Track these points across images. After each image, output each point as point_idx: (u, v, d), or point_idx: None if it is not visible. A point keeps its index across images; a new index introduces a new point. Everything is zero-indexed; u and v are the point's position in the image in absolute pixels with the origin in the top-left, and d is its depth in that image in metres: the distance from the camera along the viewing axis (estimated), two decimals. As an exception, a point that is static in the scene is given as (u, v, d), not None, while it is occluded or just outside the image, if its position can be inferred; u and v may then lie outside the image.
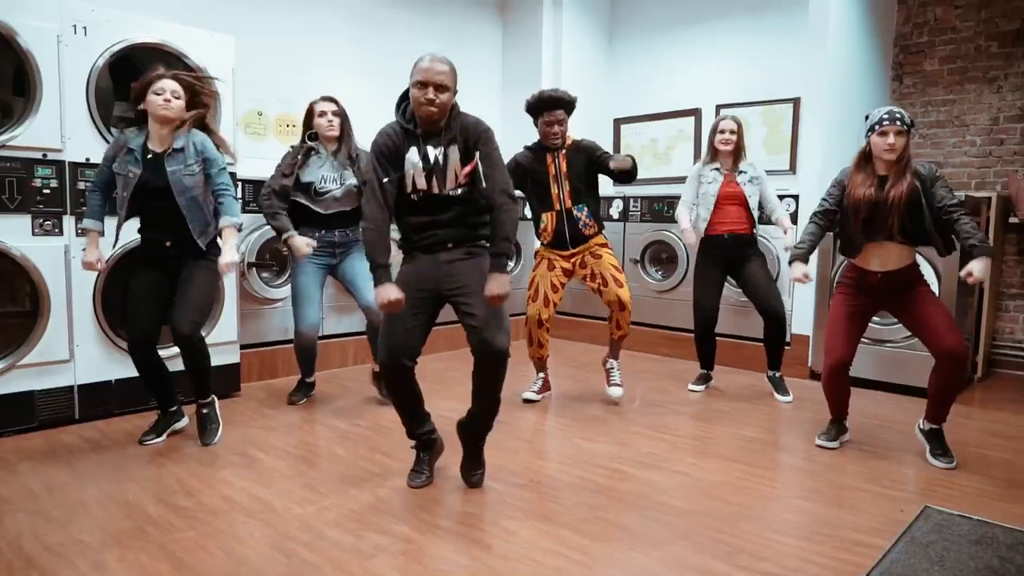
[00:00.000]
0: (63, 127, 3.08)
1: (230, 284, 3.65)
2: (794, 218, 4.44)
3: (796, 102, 4.96)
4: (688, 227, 3.87)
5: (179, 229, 2.85)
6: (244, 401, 3.67)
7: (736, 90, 5.45)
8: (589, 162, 3.47)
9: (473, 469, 2.59)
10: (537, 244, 3.71)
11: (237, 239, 2.89)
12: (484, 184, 2.39)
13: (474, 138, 2.40)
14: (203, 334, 3.05)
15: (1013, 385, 4.35)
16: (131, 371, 3.30)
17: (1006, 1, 4.55)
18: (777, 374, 3.95)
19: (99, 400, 3.26)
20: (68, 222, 3.12)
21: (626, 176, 3.35)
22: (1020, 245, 4.60)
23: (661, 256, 5.23)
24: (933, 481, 2.71)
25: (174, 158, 2.80)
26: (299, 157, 3.49)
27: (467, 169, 2.40)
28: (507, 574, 1.96)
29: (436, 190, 2.39)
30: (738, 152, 3.86)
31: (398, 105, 2.47)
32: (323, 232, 3.51)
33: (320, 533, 2.17)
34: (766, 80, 5.30)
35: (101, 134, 3.18)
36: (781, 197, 4.50)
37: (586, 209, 3.51)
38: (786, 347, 4.49)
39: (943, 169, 4.83)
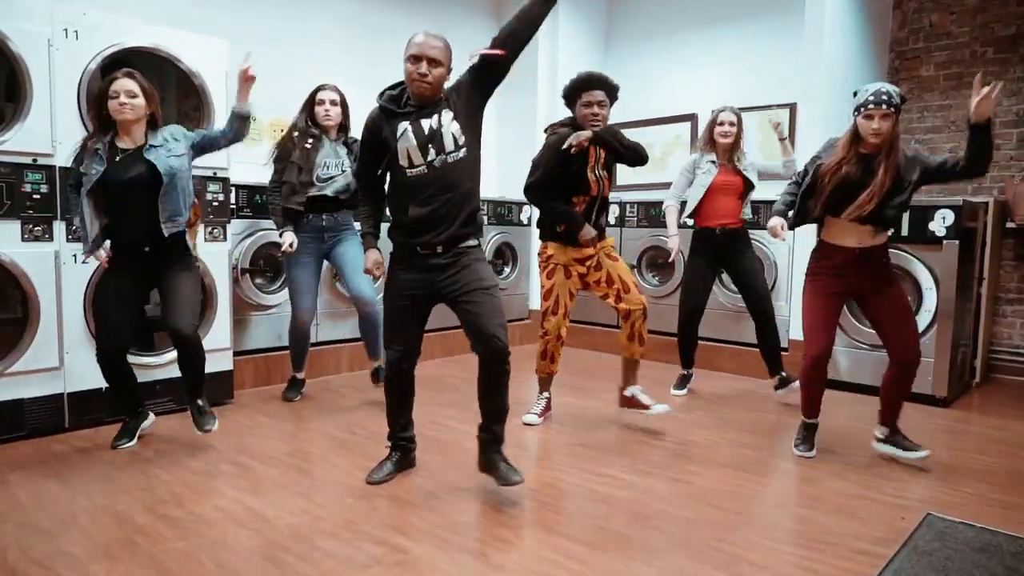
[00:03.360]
0: (54, 132, 3.04)
1: (223, 290, 3.60)
2: (790, 224, 4.42)
3: (792, 107, 4.95)
4: (675, 233, 3.95)
5: (152, 228, 2.79)
6: (238, 408, 3.63)
7: (732, 95, 5.42)
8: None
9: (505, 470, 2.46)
10: (539, 244, 3.43)
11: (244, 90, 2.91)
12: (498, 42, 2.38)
13: (463, 84, 2.44)
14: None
15: (1011, 391, 4.33)
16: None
17: (1001, 6, 4.56)
18: (783, 374, 3.89)
19: (89, 408, 3.21)
20: (59, 228, 3.08)
21: (637, 158, 3.24)
22: (1017, 250, 4.59)
23: (657, 261, 5.21)
24: (934, 487, 2.68)
25: (154, 149, 2.78)
26: (307, 149, 3.52)
27: (481, 52, 2.40)
28: (504, 585, 1.93)
29: (433, 158, 2.37)
30: (736, 145, 3.86)
31: (381, 94, 2.48)
32: (311, 217, 3.55)
33: (313, 543, 2.13)
34: (762, 85, 5.29)
35: (93, 139, 3.15)
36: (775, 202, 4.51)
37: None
38: (783, 352, 4.46)
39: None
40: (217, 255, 3.57)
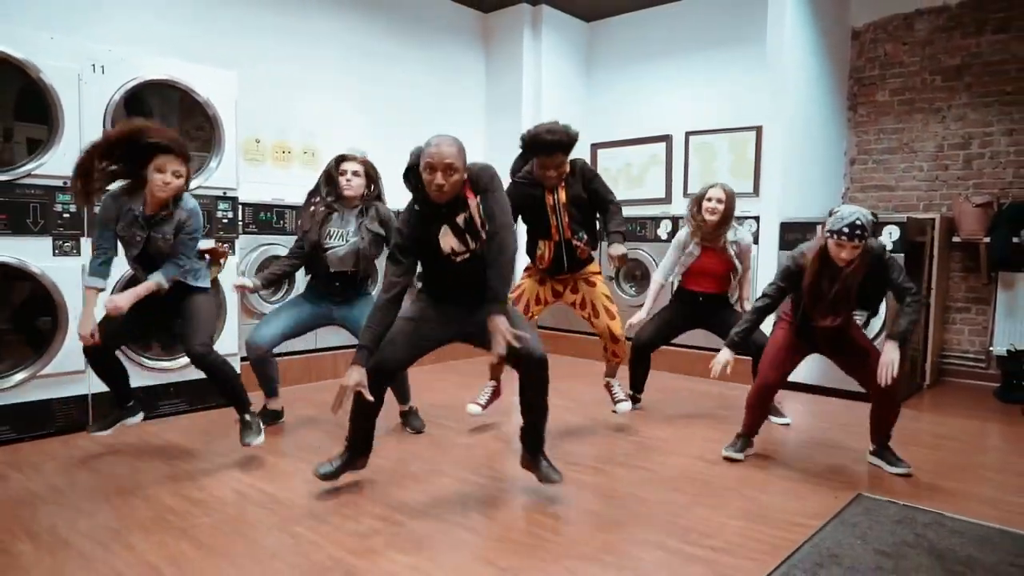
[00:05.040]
0: (82, 157, 3.36)
1: (231, 300, 3.93)
2: (756, 237, 4.79)
3: (758, 130, 5.32)
4: (648, 309, 3.82)
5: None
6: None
7: (704, 118, 5.84)
8: (587, 191, 3.35)
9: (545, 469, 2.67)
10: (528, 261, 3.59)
11: (142, 291, 2.80)
12: (483, 226, 2.52)
13: (483, 185, 2.53)
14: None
15: (959, 392, 4.70)
16: (141, 380, 3.60)
17: (947, 40, 4.96)
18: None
19: (110, 407, 3.50)
20: (85, 244, 3.39)
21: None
22: (964, 262, 4.97)
23: (635, 273, 5.56)
24: (872, 473, 3.03)
25: (160, 225, 2.85)
26: (315, 219, 3.42)
27: (473, 201, 2.52)
28: (486, 547, 2.25)
29: (474, 246, 2.53)
30: (724, 223, 3.72)
31: (406, 177, 2.57)
32: (326, 290, 3.48)
33: (322, 519, 2.45)
34: (731, 109, 5.68)
35: (116, 163, 3.46)
36: (743, 218, 4.87)
37: (585, 237, 3.39)
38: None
39: (894, 192, 5.22)
40: (226, 268, 3.88)
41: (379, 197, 3.53)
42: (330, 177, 3.43)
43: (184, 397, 3.77)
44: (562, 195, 3.33)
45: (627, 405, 3.62)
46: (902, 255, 4.16)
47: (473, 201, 2.52)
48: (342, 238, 3.41)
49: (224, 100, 3.86)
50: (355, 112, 5.44)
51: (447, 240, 2.54)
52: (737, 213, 4.89)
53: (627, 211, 5.74)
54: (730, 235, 3.78)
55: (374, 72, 5.56)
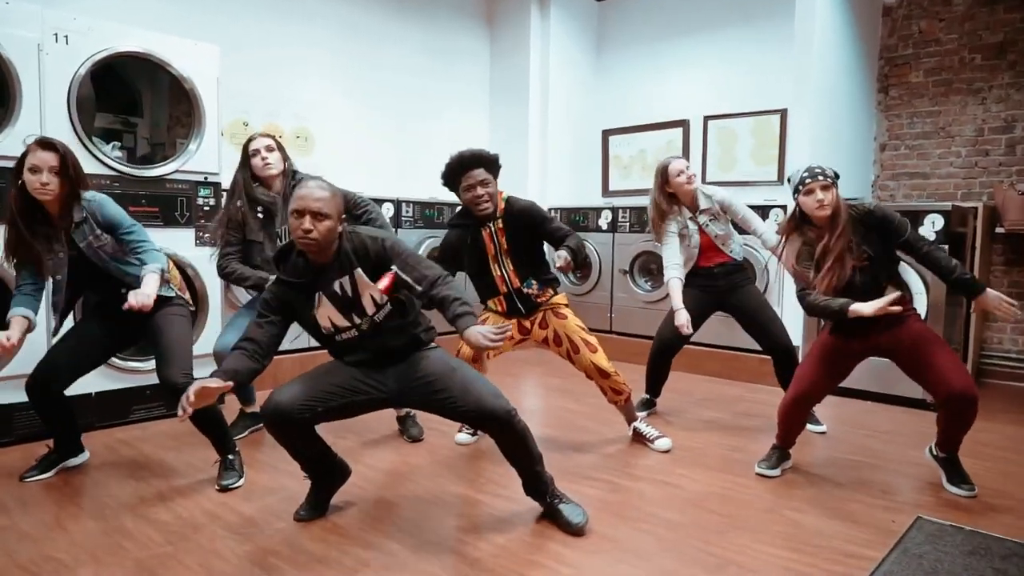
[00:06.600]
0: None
1: (214, 295, 3.60)
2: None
3: (783, 113, 4.98)
4: (681, 306, 3.24)
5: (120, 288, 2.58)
6: (227, 414, 3.59)
7: (723, 101, 5.48)
8: (531, 229, 3.00)
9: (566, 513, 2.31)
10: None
11: (157, 281, 2.51)
12: (418, 288, 2.20)
13: (380, 257, 2.21)
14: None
15: (1002, 395, 4.35)
16: (112, 383, 3.30)
17: (989, 14, 4.60)
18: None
19: (79, 413, 3.16)
20: (48, 232, 3.07)
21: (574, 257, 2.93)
22: (1007, 255, 4.61)
23: (650, 267, 5.22)
24: (924, 490, 2.68)
25: (80, 230, 2.49)
26: (262, 219, 3.07)
27: (386, 283, 2.19)
28: (493, 588, 1.92)
29: (358, 321, 2.22)
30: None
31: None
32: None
33: (303, 548, 2.12)
34: (753, 91, 5.33)
35: (82, 143, 3.14)
36: (769, 208, 4.53)
37: (535, 283, 3.04)
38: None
39: (928, 180, 4.86)
40: (208, 260, 3.56)
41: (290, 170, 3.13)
42: (246, 163, 3.07)
43: (161, 401, 3.44)
44: (503, 240, 2.97)
45: (666, 442, 3.15)
46: (945, 246, 3.81)
47: (358, 269, 2.19)
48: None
49: (205, 76, 3.53)
50: (350, 95, 5.11)
51: (324, 312, 2.21)
52: (761, 202, 4.62)
53: (642, 201, 5.42)
54: (703, 203, 3.43)
55: (371, 53, 5.22)
